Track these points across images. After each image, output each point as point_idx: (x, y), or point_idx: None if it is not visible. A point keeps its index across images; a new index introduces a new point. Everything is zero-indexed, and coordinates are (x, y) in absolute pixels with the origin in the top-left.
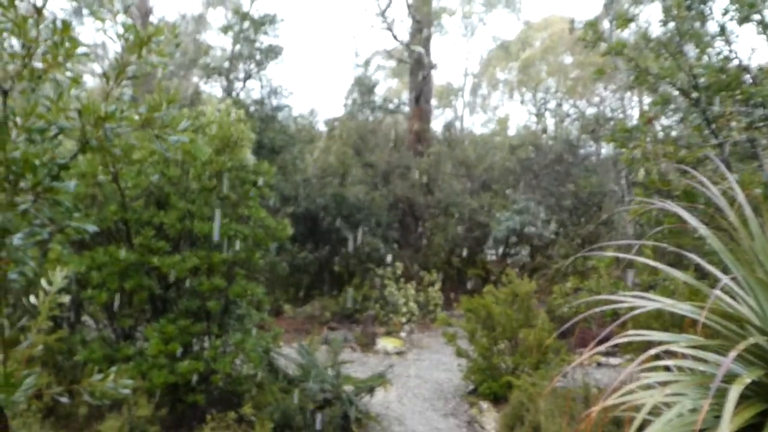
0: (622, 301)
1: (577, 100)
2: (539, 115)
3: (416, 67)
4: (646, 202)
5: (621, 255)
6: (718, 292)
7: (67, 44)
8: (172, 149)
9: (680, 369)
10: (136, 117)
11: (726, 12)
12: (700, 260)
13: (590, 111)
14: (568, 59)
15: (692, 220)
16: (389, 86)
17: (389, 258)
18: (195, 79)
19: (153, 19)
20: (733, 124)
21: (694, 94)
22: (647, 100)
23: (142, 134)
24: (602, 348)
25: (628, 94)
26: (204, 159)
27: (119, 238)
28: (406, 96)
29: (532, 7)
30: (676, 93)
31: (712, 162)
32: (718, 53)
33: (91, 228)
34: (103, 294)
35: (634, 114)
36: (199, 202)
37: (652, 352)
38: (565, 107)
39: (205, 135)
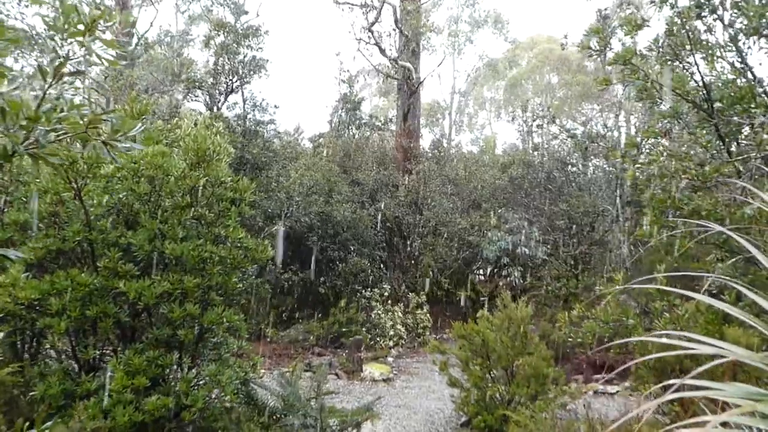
0: (684, 347)
1: (563, 119)
2: (529, 133)
3: (404, 83)
4: (684, 221)
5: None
6: None
7: None
8: (145, 164)
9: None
10: (82, 121)
11: (731, 23)
12: (743, 288)
13: (579, 130)
14: (554, 78)
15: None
16: (376, 104)
17: (376, 279)
18: (179, 96)
19: (134, 38)
20: (765, 136)
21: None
22: (634, 119)
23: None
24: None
25: (622, 112)
26: (177, 174)
27: (83, 261)
28: (393, 114)
29: (519, 26)
30: (687, 106)
31: (730, 180)
32: (731, 64)
33: (14, 254)
34: (62, 322)
35: (622, 132)
36: (171, 221)
37: (672, 396)
38: (554, 128)
39: (180, 149)
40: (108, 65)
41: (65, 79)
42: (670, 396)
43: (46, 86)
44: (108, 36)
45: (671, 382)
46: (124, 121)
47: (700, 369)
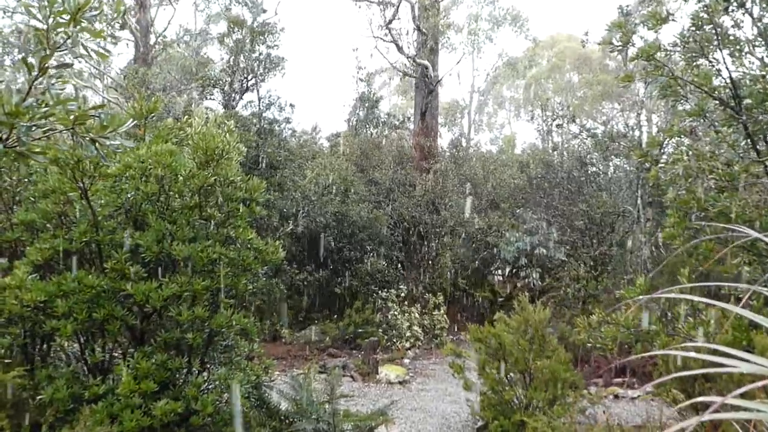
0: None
1: (583, 118)
2: (548, 132)
3: (422, 81)
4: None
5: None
6: None
7: None
8: (153, 163)
9: None
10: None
11: (760, 18)
12: None
13: (599, 129)
14: (574, 77)
15: None
16: (394, 103)
17: (393, 279)
18: (195, 94)
19: (152, 37)
20: None
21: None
22: (656, 118)
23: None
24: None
25: (644, 111)
26: (185, 173)
27: (91, 262)
28: (411, 113)
29: (539, 24)
30: (713, 103)
31: (760, 180)
32: (760, 60)
33: None
34: (69, 325)
35: (644, 132)
36: (180, 221)
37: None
38: (574, 127)
39: (189, 147)
40: (97, 58)
41: (51, 72)
42: (708, 417)
43: (32, 79)
44: (125, 33)
45: (708, 399)
46: (113, 118)
47: (740, 390)
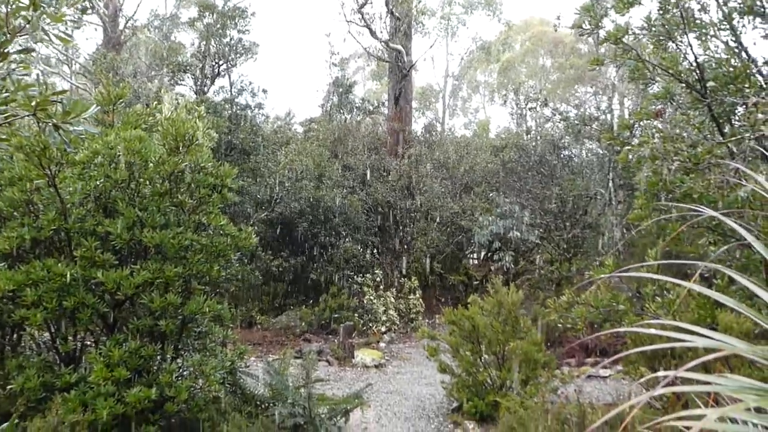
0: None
1: (557, 102)
2: (522, 116)
3: (396, 66)
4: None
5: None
6: None
7: None
8: (122, 149)
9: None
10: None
11: (726, 2)
12: (735, 274)
13: (572, 113)
14: (548, 62)
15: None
16: (369, 88)
17: (368, 264)
18: (166, 80)
19: (121, 20)
20: (760, 116)
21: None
22: (627, 102)
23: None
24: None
25: (616, 95)
26: (155, 159)
27: (60, 250)
28: (385, 98)
29: (512, 9)
30: (680, 86)
31: (722, 162)
32: (725, 43)
33: None
34: (38, 314)
35: (616, 115)
36: (150, 208)
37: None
38: (547, 111)
39: (159, 133)
40: (59, 42)
41: (13, 57)
42: (662, 390)
43: None
44: (93, 17)
45: (664, 373)
46: (76, 103)
47: (697, 361)
